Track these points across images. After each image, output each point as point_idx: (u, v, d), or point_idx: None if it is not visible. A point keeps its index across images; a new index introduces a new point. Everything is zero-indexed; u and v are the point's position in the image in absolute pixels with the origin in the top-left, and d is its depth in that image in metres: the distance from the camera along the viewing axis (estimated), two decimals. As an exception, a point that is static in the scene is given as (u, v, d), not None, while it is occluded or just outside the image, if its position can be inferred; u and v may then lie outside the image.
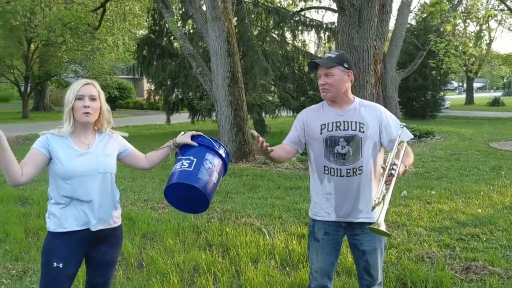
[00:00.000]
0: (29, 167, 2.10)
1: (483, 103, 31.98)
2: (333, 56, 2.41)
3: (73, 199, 2.16)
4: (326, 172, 2.42)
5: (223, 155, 2.41)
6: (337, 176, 2.39)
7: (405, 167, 2.21)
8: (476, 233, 4.52)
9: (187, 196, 2.28)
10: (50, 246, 2.19)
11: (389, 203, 2.07)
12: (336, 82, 2.38)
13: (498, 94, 39.15)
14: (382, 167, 2.18)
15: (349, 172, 2.37)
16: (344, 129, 2.39)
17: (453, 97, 36.97)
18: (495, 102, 31.31)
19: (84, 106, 2.16)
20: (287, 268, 3.71)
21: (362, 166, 2.37)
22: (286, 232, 4.60)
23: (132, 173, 7.58)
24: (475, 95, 35.93)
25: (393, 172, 2.10)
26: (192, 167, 2.25)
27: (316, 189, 2.49)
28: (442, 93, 21.76)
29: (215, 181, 2.32)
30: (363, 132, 2.37)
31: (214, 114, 13.94)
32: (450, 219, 5.03)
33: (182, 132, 2.47)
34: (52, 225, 2.19)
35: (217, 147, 2.39)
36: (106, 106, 2.27)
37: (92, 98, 2.19)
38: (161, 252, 4.07)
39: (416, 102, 21.04)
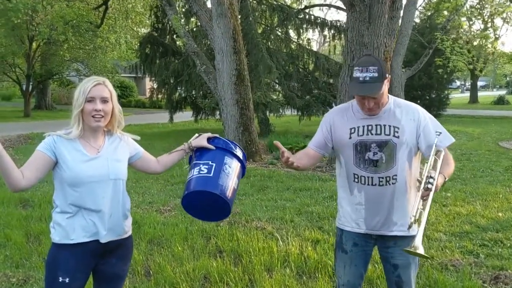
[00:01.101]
0: (31, 170, 1.90)
1: (487, 101, 31.69)
2: (376, 74, 2.05)
3: (82, 208, 1.97)
4: (356, 180, 2.19)
5: (241, 157, 2.23)
6: (368, 184, 2.16)
7: (445, 178, 1.97)
8: (499, 238, 4.31)
9: (207, 204, 2.10)
10: (55, 259, 2.00)
11: (426, 221, 1.85)
12: (383, 98, 2.15)
13: (502, 92, 38.79)
14: (418, 180, 1.95)
15: (381, 181, 2.14)
16: (376, 134, 2.14)
17: (456, 96, 36.64)
18: (500, 101, 31.01)
19: (95, 110, 1.96)
20: (304, 277, 3.50)
21: (396, 175, 2.13)
22: (300, 237, 4.39)
23: (136, 174, 7.32)
24: (478, 93, 35.59)
25: (429, 186, 1.85)
26: (212, 173, 2.07)
27: (345, 199, 2.27)
28: (446, 92, 21.51)
29: (235, 187, 2.14)
30: (398, 137, 2.13)
31: (217, 112, 13.75)
32: (470, 223, 4.82)
33: (196, 134, 2.29)
34: (57, 236, 1.99)
35: (234, 149, 2.21)
36: (118, 107, 2.07)
37: (104, 100, 1.99)
38: (169, 259, 3.87)
39: (421, 101, 20.73)
